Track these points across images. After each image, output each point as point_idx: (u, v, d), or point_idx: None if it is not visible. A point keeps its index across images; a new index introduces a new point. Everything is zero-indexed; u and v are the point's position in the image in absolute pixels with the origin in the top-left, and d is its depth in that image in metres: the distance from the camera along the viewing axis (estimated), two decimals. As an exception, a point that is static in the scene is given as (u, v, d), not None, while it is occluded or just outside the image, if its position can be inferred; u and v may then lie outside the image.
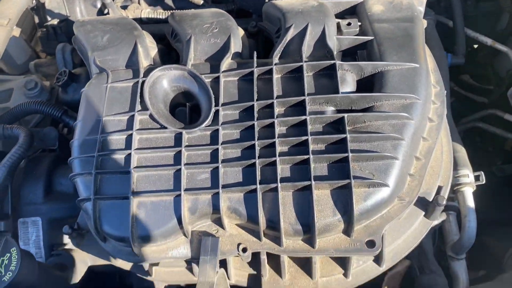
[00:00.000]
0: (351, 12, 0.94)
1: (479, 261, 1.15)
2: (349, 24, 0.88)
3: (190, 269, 0.82)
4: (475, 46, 1.69)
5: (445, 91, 0.85)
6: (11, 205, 0.97)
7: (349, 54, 0.88)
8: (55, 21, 1.30)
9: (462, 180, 1.00)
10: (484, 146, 1.62)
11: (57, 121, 1.13)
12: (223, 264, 0.79)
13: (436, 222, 0.96)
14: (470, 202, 0.99)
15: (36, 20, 1.38)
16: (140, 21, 1.21)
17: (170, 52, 0.96)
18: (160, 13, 1.20)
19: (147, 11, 1.22)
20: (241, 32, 0.92)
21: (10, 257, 0.75)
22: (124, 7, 1.25)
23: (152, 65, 0.87)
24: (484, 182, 1.01)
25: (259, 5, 0.98)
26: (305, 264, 0.79)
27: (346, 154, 0.70)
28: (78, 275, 0.95)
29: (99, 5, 1.29)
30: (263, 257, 0.76)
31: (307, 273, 0.79)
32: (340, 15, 0.94)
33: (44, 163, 1.02)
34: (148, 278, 0.83)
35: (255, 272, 0.80)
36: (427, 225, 0.82)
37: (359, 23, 0.89)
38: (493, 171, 1.46)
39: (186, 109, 0.84)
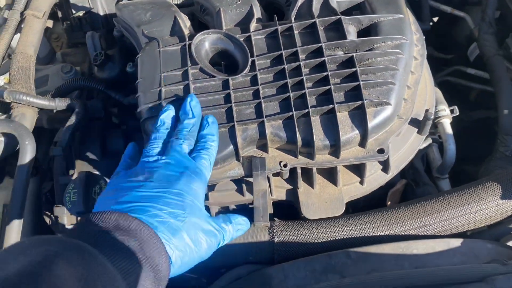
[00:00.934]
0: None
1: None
2: (345, -10, 1.11)
3: (239, 191, 1.01)
4: (435, 19, 1.97)
5: (424, 36, 1.09)
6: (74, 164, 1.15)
7: (347, 14, 1.11)
8: (80, 13, 1.47)
9: (440, 113, 1.24)
10: (452, 99, 1.88)
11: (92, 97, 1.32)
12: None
13: (424, 145, 1.20)
14: (449, 130, 1.23)
15: (60, 14, 1.55)
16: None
17: (201, 27, 1.16)
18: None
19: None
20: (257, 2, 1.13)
21: (100, 187, 0.93)
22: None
23: (192, 32, 1.07)
24: (458, 113, 1.26)
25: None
26: (330, 175, 1.00)
27: (358, 83, 0.92)
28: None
29: (117, -3, 1.48)
30: (299, 171, 0.98)
31: (333, 182, 1.00)
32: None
33: (97, 128, 1.20)
34: (205, 203, 1.02)
35: (291, 187, 1.01)
36: (420, 140, 1.06)
37: (352, -12, 1.12)
38: (462, 118, 1.73)
39: (222, 67, 1.05)
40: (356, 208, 1.21)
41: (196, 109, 0.88)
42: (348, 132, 0.92)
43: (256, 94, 0.95)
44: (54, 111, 1.18)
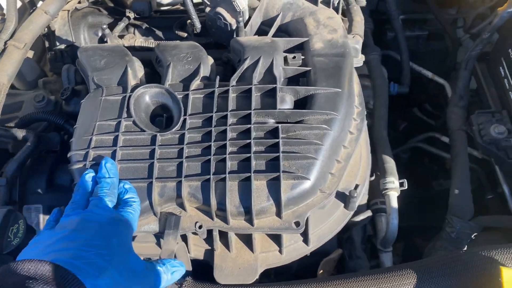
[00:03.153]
0: (300, 47, 1.19)
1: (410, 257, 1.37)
2: (294, 57, 1.13)
3: (158, 244, 1.03)
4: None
5: (365, 112, 1.09)
6: (18, 194, 1.19)
7: (295, 80, 1.12)
8: (62, 46, 1.55)
9: (388, 185, 1.23)
10: (430, 165, 1.85)
11: (59, 128, 1.37)
12: (185, 241, 1.01)
13: (362, 217, 1.18)
14: (394, 204, 1.21)
15: (47, 44, 1.64)
16: (133, 48, 1.46)
17: (155, 74, 1.20)
18: (150, 43, 1.45)
19: (139, 41, 1.47)
20: (210, 60, 1.16)
21: (18, 227, 0.96)
22: (121, 36, 1.51)
23: (138, 83, 1.10)
24: (406, 187, 1.24)
25: (230, 39, 1.23)
26: (248, 241, 1.00)
27: (278, 154, 0.93)
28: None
29: (100, 34, 1.55)
30: (215, 233, 0.98)
31: (250, 248, 1.00)
32: (291, 50, 1.18)
33: (48, 161, 1.25)
34: (126, 251, 1.04)
35: (209, 247, 1.02)
36: (346, 215, 1.05)
37: (303, 57, 1.14)
38: (433, 186, 1.70)
39: (163, 118, 1.08)
40: (288, 273, 1.20)
41: (112, 171, 0.91)
42: (263, 201, 0.93)
43: (180, 153, 0.97)
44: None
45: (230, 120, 0.99)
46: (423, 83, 1.89)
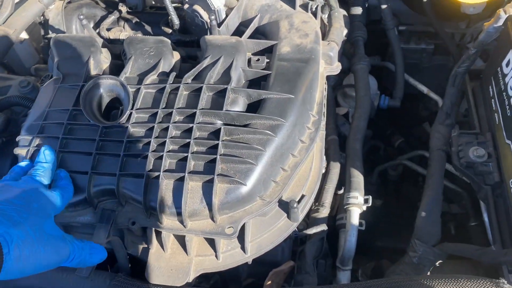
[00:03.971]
0: (269, 51, 1.15)
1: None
2: (258, 60, 1.10)
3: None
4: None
5: (324, 118, 1.04)
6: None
7: (257, 83, 1.09)
8: (54, 35, 1.58)
9: (351, 201, 1.17)
10: (422, 184, 1.76)
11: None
12: (121, 236, 1.00)
13: (315, 230, 1.13)
14: (354, 220, 1.16)
15: (42, 32, 1.68)
16: (118, 41, 1.47)
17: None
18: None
19: (124, 34, 1.48)
20: (176, 57, 1.15)
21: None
22: (109, 29, 1.52)
23: (99, 74, 1.10)
24: (370, 204, 1.18)
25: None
26: (183, 243, 0.97)
27: (215, 156, 0.90)
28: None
29: (92, 24, 1.57)
30: (151, 232, 0.96)
31: (185, 250, 0.98)
32: (261, 53, 1.15)
33: (14, 145, 1.27)
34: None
35: (146, 245, 1.00)
36: (289, 226, 1.00)
37: (267, 60, 1.10)
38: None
39: (119, 111, 1.07)
40: (237, 281, 1.17)
41: (49, 157, 0.93)
42: (196, 203, 0.90)
43: (120, 148, 0.96)
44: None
45: (176, 118, 0.97)
46: (427, 99, 1.81)
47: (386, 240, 1.39)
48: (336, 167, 1.26)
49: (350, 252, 1.14)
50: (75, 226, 1.00)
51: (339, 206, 1.28)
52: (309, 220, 1.20)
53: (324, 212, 1.18)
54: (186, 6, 1.29)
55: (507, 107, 1.14)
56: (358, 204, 1.17)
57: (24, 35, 1.72)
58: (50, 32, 1.60)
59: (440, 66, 1.80)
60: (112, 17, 1.54)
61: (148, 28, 1.56)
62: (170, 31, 1.48)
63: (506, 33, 1.14)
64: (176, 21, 1.34)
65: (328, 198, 1.20)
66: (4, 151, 1.25)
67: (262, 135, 0.93)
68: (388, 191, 1.75)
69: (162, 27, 1.49)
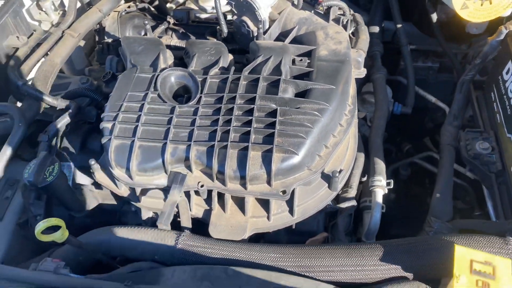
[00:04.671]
0: (308, 55, 1.37)
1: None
2: (301, 60, 1.31)
3: (165, 200, 1.20)
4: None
5: (357, 109, 1.25)
6: (56, 153, 1.40)
7: (300, 79, 1.30)
8: (109, 40, 1.80)
9: (376, 183, 1.36)
10: (429, 185, 1.96)
11: (98, 106, 1.59)
12: (188, 199, 1.18)
13: (347, 204, 1.32)
14: (378, 199, 1.34)
15: (96, 38, 1.89)
16: (169, 47, 1.69)
17: (183, 66, 1.41)
18: (183, 43, 1.67)
19: (175, 41, 1.70)
20: (230, 57, 1.36)
21: (53, 168, 1.16)
22: (160, 37, 1.74)
23: (167, 67, 1.31)
24: (392, 187, 1.37)
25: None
26: (242, 205, 1.16)
27: (273, 130, 1.10)
28: (89, 206, 1.34)
29: (142, 33, 1.79)
30: (214, 194, 1.15)
31: (242, 211, 1.16)
32: (302, 56, 1.37)
33: (84, 128, 1.46)
34: (137, 204, 1.22)
35: (208, 208, 1.18)
36: (329, 195, 1.19)
37: (308, 61, 1.32)
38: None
39: (183, 98, 1.28)
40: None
41: None
42: (256, 169, 1.09)
43: (192, 123, 1.15)
44: (57, 108, 1.46)
45: (238, 101, 1.18)
46: (433, 111, 2.04)
47: (400, 228, 1.57)
48: (361, 157, 1.45)
49: (375, 226, 1.32)
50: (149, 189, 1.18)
51: (363, 191, 1.47)
52: (339, 200, 1.39)
53: (352, 192, 1.37)
54: (234, 17, 1.52)
55: (508, 107, 1.36)
56: (381, 186, 1.36)
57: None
58: (106, 38, 1.82)
59: (445, 82, 2.03)
60: (162, 27, 1.77)
61: (192, 38, 1.79)
62: (214, 40, 1.70)
63: (506, 46, 1.38)
64: (225, 29, 1.56)
65: (355, 181, 1.39)
66: (76, 131, 1.43)
67: (311, 116, 1.14)
68: (399, 189, 1.95)
69: (207, 37, 1.71)
